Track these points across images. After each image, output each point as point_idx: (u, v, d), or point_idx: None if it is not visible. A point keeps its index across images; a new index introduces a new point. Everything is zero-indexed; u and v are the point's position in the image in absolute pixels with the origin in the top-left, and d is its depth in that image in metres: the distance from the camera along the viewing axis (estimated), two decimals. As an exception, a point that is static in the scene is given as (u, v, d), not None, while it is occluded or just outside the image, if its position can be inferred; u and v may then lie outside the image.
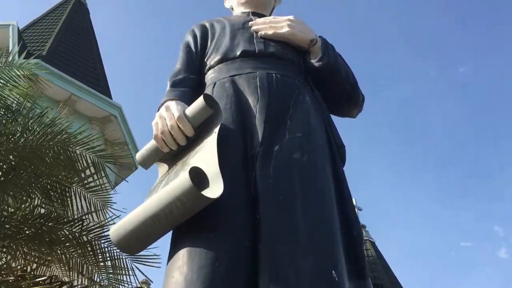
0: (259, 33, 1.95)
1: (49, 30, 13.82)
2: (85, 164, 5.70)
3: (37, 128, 5.30)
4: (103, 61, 14.60)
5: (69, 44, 13.60)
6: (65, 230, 5.23)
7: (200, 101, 1.58)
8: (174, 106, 1.64)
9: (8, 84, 5.95)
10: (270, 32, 1.93)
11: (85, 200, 5.87)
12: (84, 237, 5.37)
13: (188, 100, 1.76)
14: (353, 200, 1.90)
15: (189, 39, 2.06)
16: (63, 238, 5.21)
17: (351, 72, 1.97)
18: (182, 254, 1.37)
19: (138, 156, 1.69)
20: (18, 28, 11.89)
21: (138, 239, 1.43)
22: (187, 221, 1.41)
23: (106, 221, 5.85)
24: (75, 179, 5.71)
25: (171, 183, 1.39)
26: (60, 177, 5.49)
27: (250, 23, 2.01)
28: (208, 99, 1.58)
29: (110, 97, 13.13)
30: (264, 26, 1.96)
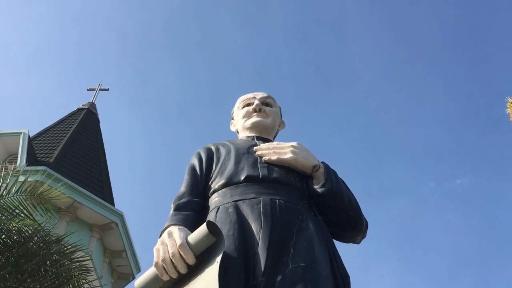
0: (263, 158, 1.99)
1: (59, 138, 14.24)
2: None
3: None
4: (109, 167, 14.84)
5: (77, 151, 13.93)
6: None
7: (203, 229, 1.57)
8: (176, 233, 1.63)
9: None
10: (274, 157, 1.97)
11: None
12: None
13: (192, 224, 1.76)
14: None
15: (195, 162, 2.10)
16: None
17: (354, 198, 1.98)
18: None
19: (137, 284, 1.64)
20: (29, 136, 12.27)
21: None
22: None
23: None
24: None
25: None
26: None
27: (254, 148, 2.07)
28: (211, 227, 1.57)
29: (113, 203, 13.12)
30: (268, 151, 2.01)
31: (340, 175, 2.05)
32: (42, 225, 6.44)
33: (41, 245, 5.69)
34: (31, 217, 6.11)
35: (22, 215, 6.18)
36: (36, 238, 5.80)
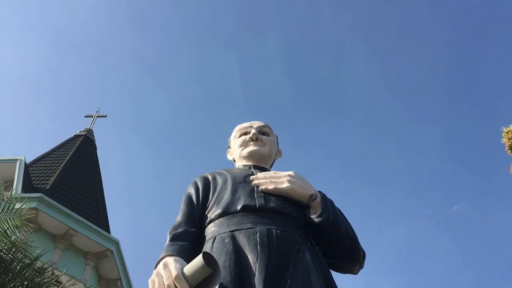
0: (260, 187, 1.99)
1: (56, 164, 14.20)
2: None
3: None
4: (105, 194, 14.76)
5: (74, 178, 13.87)
6: None
7: (199, 260, 1.55)
8: (172, 264, 1.61)
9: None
10: (270, 187, 1.97)
11: None
12: None
13: (188, 254, 1.74)
14: None
15: (191, 191, 2.10)
16: None
17: (351, 228, 1.97)
18: None
19: None
20: (25, 162, 12.23)
21: None
22: None
23: None
24: None
25: None
26: None
27: (251, 177, 2.07)
28: (207, 258, 1.56)
29: (108, 231, 12.99)
30: (264, 180, 2.01)
31: (337, 203, 2.04)
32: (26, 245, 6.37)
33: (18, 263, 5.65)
34: (5, 235, 6.06)
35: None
36: (15, 255, 5.76)
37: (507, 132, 7.59)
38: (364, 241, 2.02)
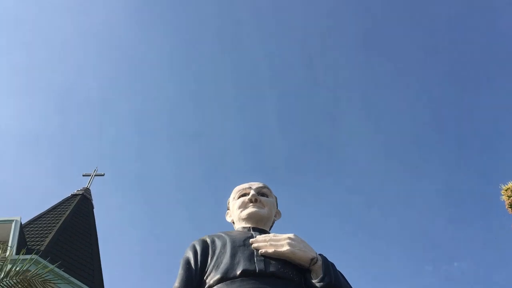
0: (259, 251, 1.95)
1: (52, 225, 14.00)
2: None
3: None
4: (101, 254, 14.44)
5: (69, 239, 13.63)
6: None
7: None
8: None
9: None
10: (270, 250, 1.93)
11: None
12: None
13: None
14: None
15: (190, 255, 2.05)
16: None
17: (353, 292, 1.93)
18: None
19: None
20: (21, 223, 12.07)
21: None
22: None
23: None
24: None
25: None
26: None
27: (250, 240, 2.04)
28: None
29: (103, 293, 12.62)
30: (264, 244, 1.97)
31: (336, 260, 2.00)
32: None
33: None
34: None
35: None
36: None
37: (506, 190, 7.58)
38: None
